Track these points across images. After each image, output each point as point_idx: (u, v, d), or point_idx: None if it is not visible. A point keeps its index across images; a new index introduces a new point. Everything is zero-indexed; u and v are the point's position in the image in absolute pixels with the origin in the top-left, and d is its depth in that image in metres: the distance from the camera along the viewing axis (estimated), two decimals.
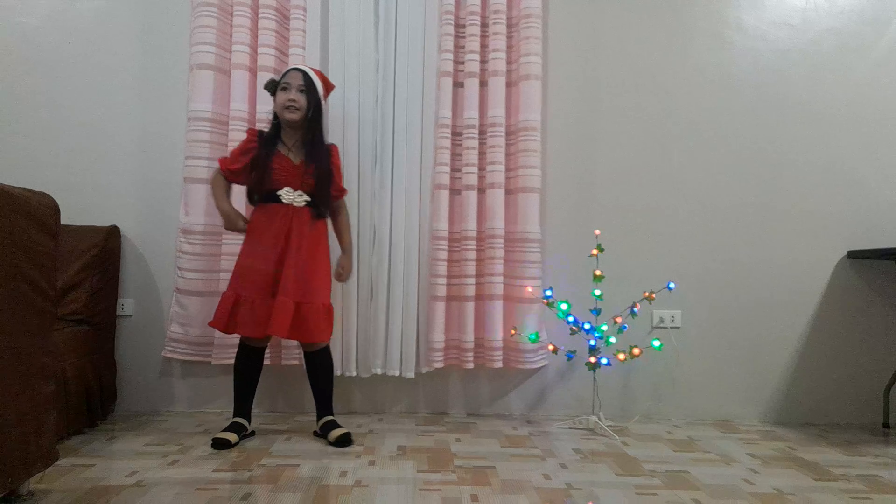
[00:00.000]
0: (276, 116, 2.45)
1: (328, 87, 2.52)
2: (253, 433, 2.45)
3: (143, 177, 2.87)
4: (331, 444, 2.32)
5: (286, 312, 2.26)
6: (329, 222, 2.52)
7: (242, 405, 2.42)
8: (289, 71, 2.43)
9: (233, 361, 2.71)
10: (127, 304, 2.84)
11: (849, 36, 3.00)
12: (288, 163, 2.39)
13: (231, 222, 2.39)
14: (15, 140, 2.84)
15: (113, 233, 2.77)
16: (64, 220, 1.84)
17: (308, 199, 2.39)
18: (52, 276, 1.72)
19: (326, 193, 2.43)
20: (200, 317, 2.74)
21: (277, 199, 2.37)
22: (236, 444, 2.30)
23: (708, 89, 2.97)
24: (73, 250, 2.62)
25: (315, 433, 2.45)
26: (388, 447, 2.34)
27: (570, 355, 2.74)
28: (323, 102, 2.47)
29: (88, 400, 2.48)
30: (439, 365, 2.78)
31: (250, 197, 2.45)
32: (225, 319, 2.30)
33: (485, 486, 1.93)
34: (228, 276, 2.69)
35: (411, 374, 2.79)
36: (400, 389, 2.87)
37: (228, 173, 2.43)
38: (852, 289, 2.95)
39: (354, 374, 2.76)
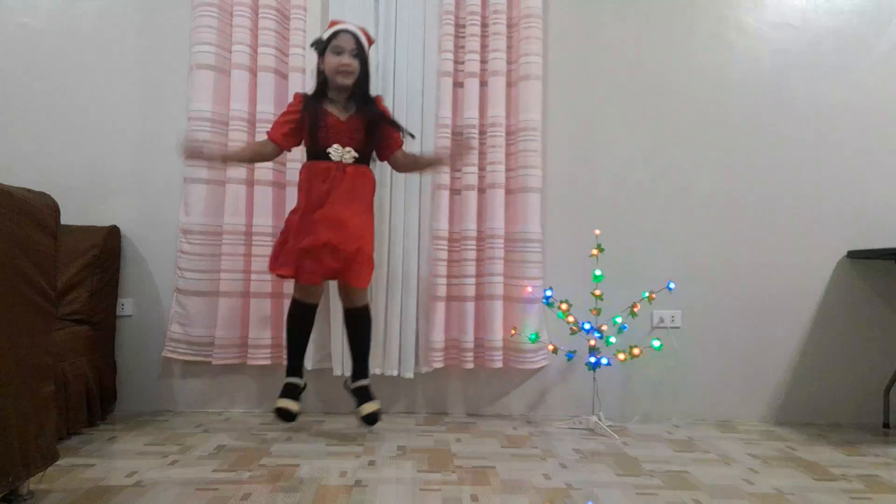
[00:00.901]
0: (320, 74, 2.45)
1: (370, 43, 2.51)
2: (305, 386, 2.49)
3: (143, 177, 2.87)
4: (360, 418, 2.39)
5: (336, 257, 2.30)
6: (376, 177, 2.54)
7: (296, 363, 2.46)
8: (339, 33, 2.40)
9: (233, 362, 2.75)
10: (127, 304, 2.84)
11: (849, 36, 3.00)
12: (335, 120, 2.40)
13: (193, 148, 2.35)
14: (15, 140, 2.84)
15: (113, 233, 2.77)
16: (64, 220, 1.84)
17: (356, 155, 2.40)
18: (52, 276, 1.72)
19: (376, 145, 2.45)
20: (201, 317, 2.75)
21: (326, 156, 2.38)
22: (298, 413, 2.37)
23: (708, 89, 2.97)
24: (73, 250, 2.62)
25: (345, 386, 2.51)
26: (388, 447, 2.34)
27: (570, 355, 2.74)
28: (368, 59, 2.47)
29: (88, 400, 2.48)
30: (439, 365, 2.78)
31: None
32: (291, 268, 2.32)
33: (485, 486, 1.93)
34: (229, 276, 2.72)
35: (410, 374, 2.79)
36: (399, 389, 2.87)
37: (279, 138, 2.42)
38: (852, 289, 2.95)
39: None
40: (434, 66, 2.83)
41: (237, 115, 2.76)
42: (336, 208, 2.34)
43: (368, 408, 2.40)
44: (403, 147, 2.54)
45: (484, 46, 2.87)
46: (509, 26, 2.89)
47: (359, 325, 2.50)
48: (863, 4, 3.01)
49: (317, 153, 2.40)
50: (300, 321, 2.46)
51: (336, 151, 2.37)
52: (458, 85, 2.85)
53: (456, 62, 2.84)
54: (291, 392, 2.41)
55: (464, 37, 2.84)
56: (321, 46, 2.43)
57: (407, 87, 2.82)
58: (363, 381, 2.47)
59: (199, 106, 2.75)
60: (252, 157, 2.54)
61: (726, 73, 2.98)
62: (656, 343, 2.73)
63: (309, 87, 2.76)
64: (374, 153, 2.50)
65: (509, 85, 2.88)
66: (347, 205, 2.36)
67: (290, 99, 2.73)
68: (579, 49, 2.97)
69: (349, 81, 2.40)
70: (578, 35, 2.97)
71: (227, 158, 2.51)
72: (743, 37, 2.99)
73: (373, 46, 2.81)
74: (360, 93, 2.44)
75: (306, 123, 2.40)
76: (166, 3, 2.89)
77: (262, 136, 2.74)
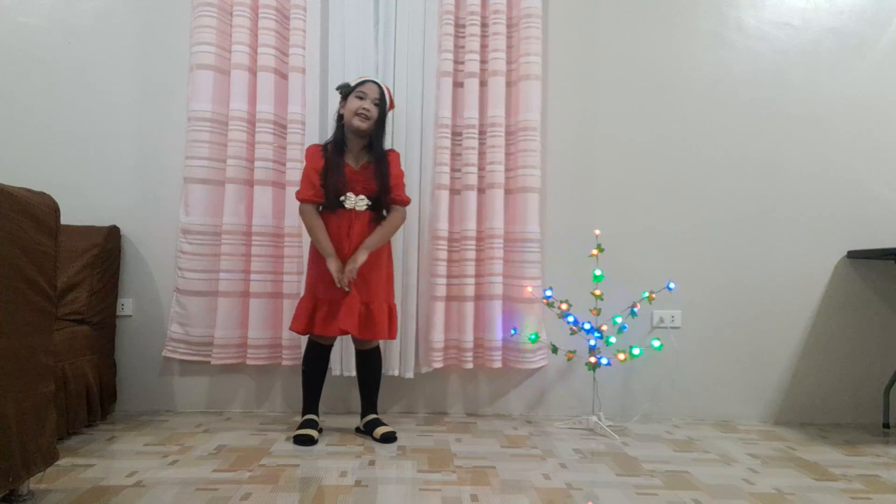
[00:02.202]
0: (339, 119, 2.50)
1: (391, 106, 2.58)
2: (322, 430, 2.50)
3: (143, 177, 2.87)
4: (376, 440, 2.40)
5: (354, 310, 2.35)
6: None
7: (312, 402, 2.50)
8: (366, 81, 2.48)
9: (233, 362, 2.75)
10: (127, 304, 2.84)
11: (849, 36, 3.00)
12: (350, 169, 2.46)
13: (331, 262, 2.37)
14: (15, 140, 2.84)
15: (113, 233, 2.77)
16: (64, 220, 1.84)
17: (369, 202, 2.44)
18: (52, 276, 1.72)
19: (386, 196, 2.46)
20: (200, 317, 2.75)
21: (340, 205, 2.42)
22: (317, 440, 2.38)
23: (708, 89, 2.97)
24: (73, 250, 2.62)
25: (357, 429, 2.53)
26: (388, 447, 2.34)
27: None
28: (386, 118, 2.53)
29: (88, 400, 2.48)
30: (439, 365, 2.78)
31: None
32: (304, 322, 2.39)
33: (485, 486, 1.93)
34: (228, 276, 2.73)
35: (410, 374, 2.79)
36: (399, 389, 2.87)
37: (312, 194, 2.42)
38: (852, 289, 2.95)
39: (354, 374, 2.75)
40: (434, 66, 2.83)
41: (237, 115, 2.76)
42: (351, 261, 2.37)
43: (382, 429, 2.43)
44: (403, 208, 2.53)
45: (484, 46, 2.86)
46: (509, 26, 2.89)
47: (370, 366, 2.55)
48: (863, 4, 3.01)
49: (331, 202, 2.43)
50: (314, 362, 2.50)
51: (350, 200, 2.42)
52: (458, 85, 2.85)
53: (456, 62, 2.84)
54: (310, 424, 2.43)
55: (464, 37, 2.84)
56: (347, 91, 2.48)
57: (407, 87, 2.82)
58: (372, 416, 2.52)
59: (199, 106, 2.76)
60: (319, 227, 2.43)
61: (726, 72, 2.98)
62: (656, 343, 2.73)
63: (310, 93, 2.78)
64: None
65: (509, 85, 2.88)
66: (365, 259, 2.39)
67: (291, 100, 2.76)
68: (579, 49, 2.97)
69: (365, 126, 2.44)
70: (578, 35, 2.97)
71: (328, 248, 2.40)
72: (743, 36, 2.99)
73: (375, 48, 2.83)
74: (375, 145, 2.48)
75: (328, 172, 2.42)
76: (166, 3, 2.89)
77: (262, 137, 2.76)
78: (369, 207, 2.44)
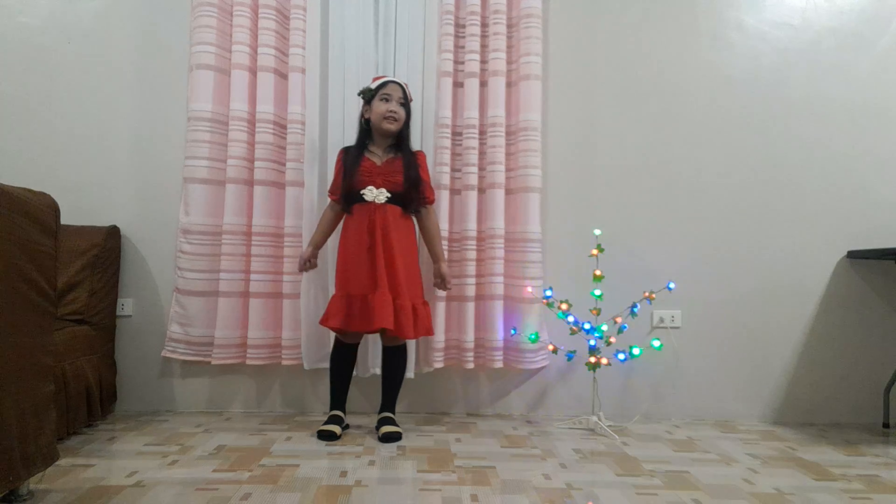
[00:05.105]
0: (365, 122, 2.55)
1: (409, 100, 2.62)
2: (348, 426, 2.54)
3: (143, 177, 2.87)
4: (378, 438, 2.42)
5: (387, 305, 2.36)
6: (416, 224, 2.61)
7: (339, 400, 2.54)
8: (388, 83, 2.52)
9: (233, 362, 2.75)
10: (127, 304, 2.84)
11: (849, 35, 3.00)
12: (371, 164, 2.49)
13: (306, 249, 2.58)
14: (15, 140, 2.84)
15: (113, 233, 2.77)
16: (64, 220, 1.84)
17: (389, 195, 2.46)
18: (52, 276, 1.72)
19: (413, 190, 2.50)
20: (200, 317, 2.75)
21: (361, 199, 2.45)
22: (340, 436, 2.43)
23: (708, 89, 2.97)
24: (73, 250, 2.62)
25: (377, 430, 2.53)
26: (388, 447, 2.34)
27: (570, 355, 2.74)
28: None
29: (88, 400, 2.48)
30: (439, 365, 2.78)
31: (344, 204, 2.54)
32: (340, 318, 2.40)
33: (485, 486, 1.93)
34: (228, 276, 2.73)
35: (411, 374, 2.79)
36: (401, 389, 2.86)
37: (335, 198, 2.56)
38: (852, 289, 2.95)
39: (354, 373, 2.75)
40: (434, 66, 2.83)
41: (237, 115, 2.76)
42: (377, 258, 2.40)
43: (387, 428, 2.44)
44: (432, 206, 2.61)
45: (484, 46, 2.86)
46: (509, 26, 2.89)
47: (395, 363, 2.56)
48: (863, 4, 3.01)
49: (353, 196, 2.48)
50: (341, 362, 2.53)
51: (370, 192, 2.45)
52: (458, 85, 2.85)
53: (456, 62, 2.84)
54: (334, 420, 2.47)
55: (464, 37, 2.84)
56: (369, 95, 2.52)
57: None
58: (386, 413, 2.53)
59: (199, 106, 2.76)
60: (329, 225, 2.61)
61: (727, 72, 2.98)
62: (656, 343, 2.73)
63: (310, 93, 2.77)
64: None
65: (509, 85, 2.88)
66: (388, 253, 2.42)
67: (291, 100, 2.77)
68: (579, 49, 2.97)
69: (394, 128, 2.50)
70: (578, 35, 2.97)
71: (319, 244, 2.61)
72: (743, 36, 2.99)
73: (375, 48, 2.83)
74: (404, 143, 2.54)
75: (347, 170, 2.49)
76: (166, 3, 2.89)
77: (262, 137, 2.76)
78: (390, 200, 2.46)
